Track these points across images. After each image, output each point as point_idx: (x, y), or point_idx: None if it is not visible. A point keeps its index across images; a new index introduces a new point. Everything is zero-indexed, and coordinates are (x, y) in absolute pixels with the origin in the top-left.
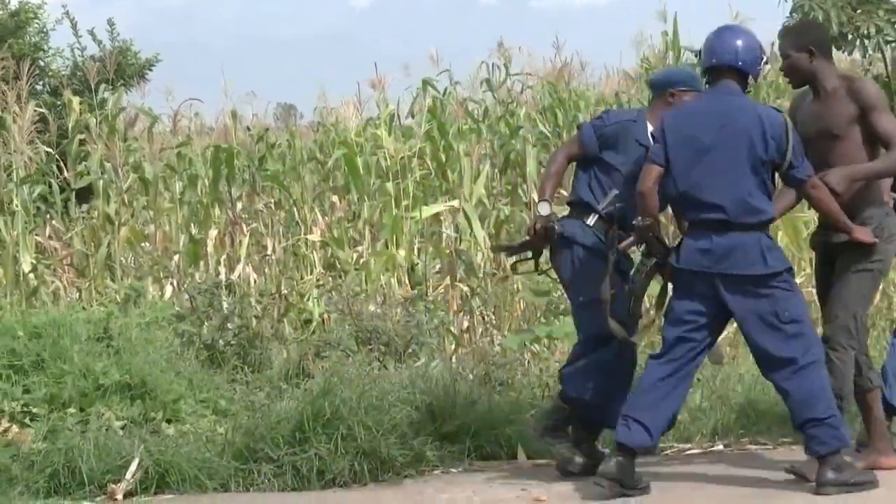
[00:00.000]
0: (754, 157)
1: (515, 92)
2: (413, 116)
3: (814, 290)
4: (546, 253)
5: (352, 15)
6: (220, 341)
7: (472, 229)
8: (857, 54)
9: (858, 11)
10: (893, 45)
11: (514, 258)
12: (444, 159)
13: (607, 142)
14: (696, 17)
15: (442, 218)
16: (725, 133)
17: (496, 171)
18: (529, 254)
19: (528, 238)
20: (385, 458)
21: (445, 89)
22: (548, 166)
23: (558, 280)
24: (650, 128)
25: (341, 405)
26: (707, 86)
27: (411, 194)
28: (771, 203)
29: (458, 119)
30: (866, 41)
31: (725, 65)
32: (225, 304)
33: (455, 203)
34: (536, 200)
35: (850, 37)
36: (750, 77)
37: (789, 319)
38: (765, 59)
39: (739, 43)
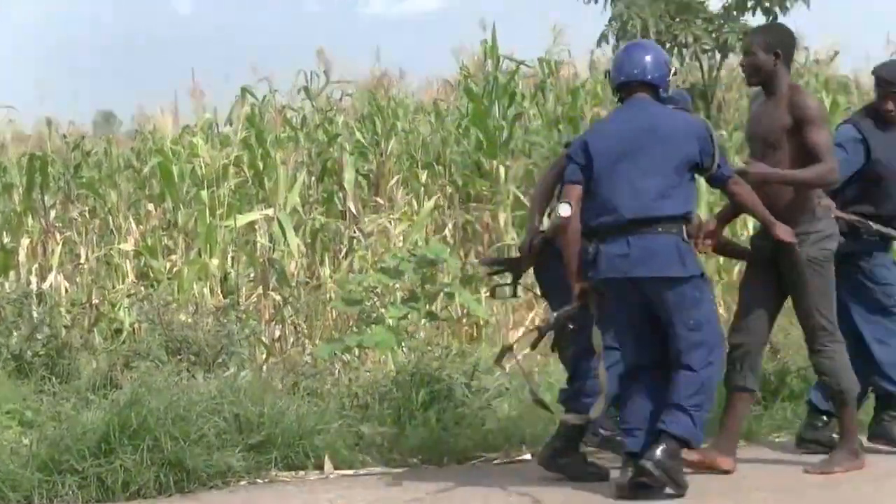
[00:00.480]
0: (679, 159)
1: (335, 100)
2: (231, 124)
3: None
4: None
5: (176, 21)
6: (29, 352)
7: (286, 238)
8: (675, 63)
9: (677, 20)
10: (710, 54)
11: (493, 278)
12: (261, 167)
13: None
14: (515, 25)
15: (257, 226)
16: (646, 139)
17: (313, 179)
18: (508, 276)
19: (520, 255)
20: (191, 469)
21: (264, 97)
22: (538, 188)
23: (542, 296)
24: None
25: (148, 416)
26: (619, 103)
27: (226, 202)
28: (689, 205)
29: (276, 127)
30: (684, 50)
31: (636, 80)
32: (34, 314)
33: (270, 212)
34: (536, 216)
35: (667, 45)
36: (660, 91)
37: (693, 327)
38: (673, 72)
39: (648, 58)
